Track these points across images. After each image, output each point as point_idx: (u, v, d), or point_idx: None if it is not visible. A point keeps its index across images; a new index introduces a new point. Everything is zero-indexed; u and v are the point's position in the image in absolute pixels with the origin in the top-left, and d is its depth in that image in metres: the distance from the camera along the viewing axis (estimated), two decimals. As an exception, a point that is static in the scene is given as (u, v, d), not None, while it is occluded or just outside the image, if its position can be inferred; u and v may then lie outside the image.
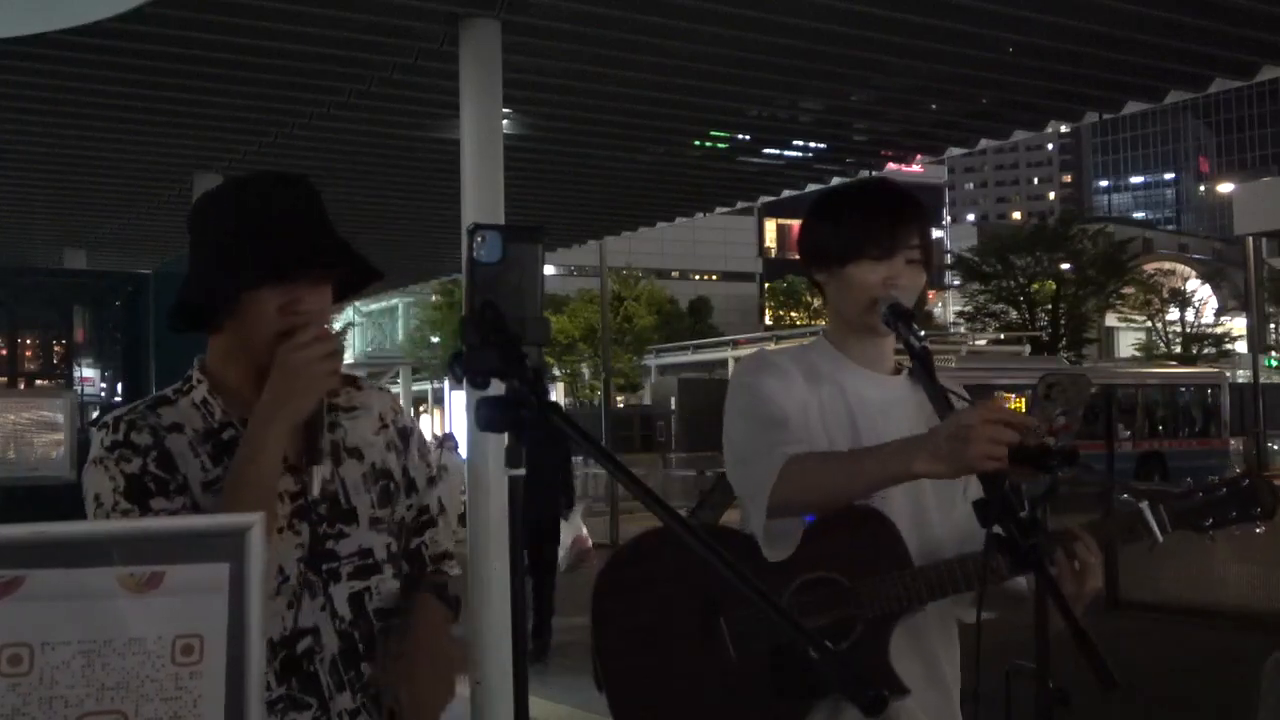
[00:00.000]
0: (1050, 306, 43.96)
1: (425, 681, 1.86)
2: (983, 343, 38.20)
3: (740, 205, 14.34)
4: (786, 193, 12.55)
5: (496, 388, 1.47)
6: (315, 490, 1.79)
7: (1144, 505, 2.06)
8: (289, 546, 1.82)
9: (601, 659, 2.15)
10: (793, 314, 55.50)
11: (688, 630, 2.07)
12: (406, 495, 2.04)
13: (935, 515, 2.12)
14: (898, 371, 2.23)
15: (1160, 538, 2.06)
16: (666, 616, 2.11)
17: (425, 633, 1.91)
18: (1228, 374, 32.33)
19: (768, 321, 56.17)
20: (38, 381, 6.36)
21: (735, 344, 35.40)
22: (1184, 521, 2.09)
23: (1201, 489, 2.13)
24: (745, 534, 2.16)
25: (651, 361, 39.28)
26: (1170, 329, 46.36)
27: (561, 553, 10.21)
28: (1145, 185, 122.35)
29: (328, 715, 1.83)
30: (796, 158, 11.19)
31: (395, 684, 1.84)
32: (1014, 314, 44.38)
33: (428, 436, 10.90)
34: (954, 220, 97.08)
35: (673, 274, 58.63)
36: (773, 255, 67.53)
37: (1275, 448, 30.55)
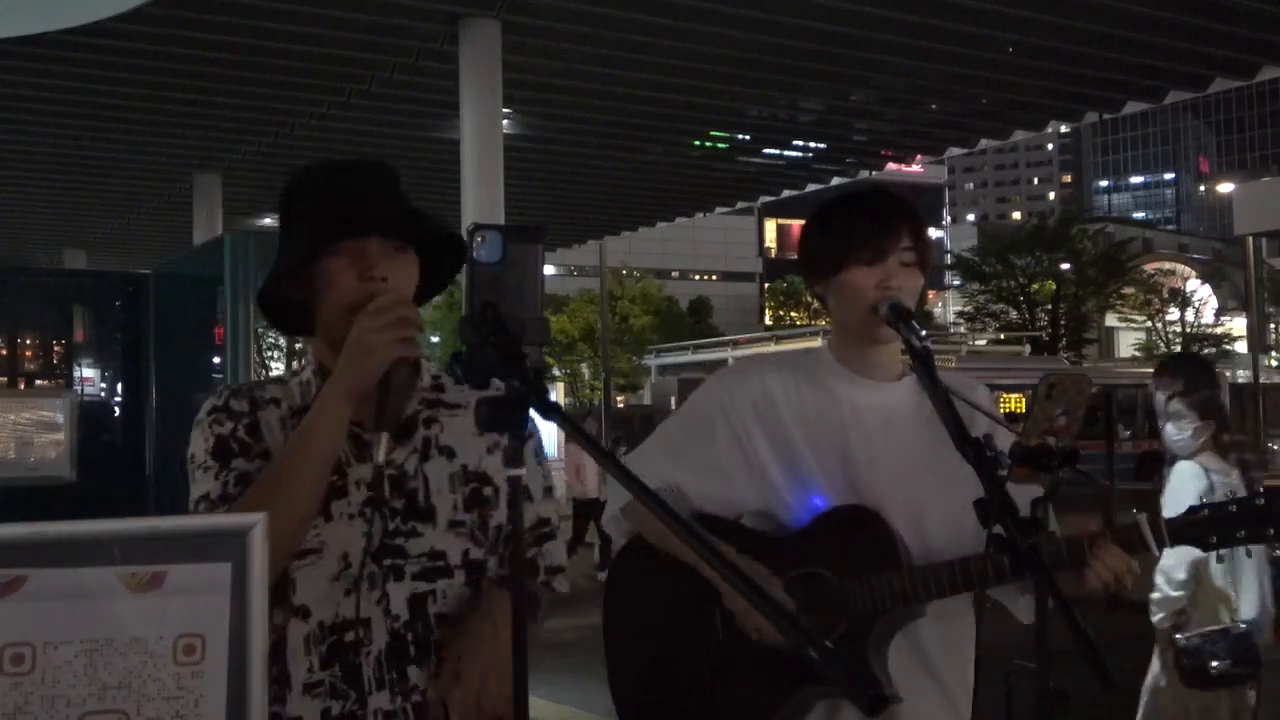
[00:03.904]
0: (1050, 306, 43.92)
1: (475, 686, 1.74)
2: (983, 343, 38.13)
3: (740, 205, 14.36)
4: (786, 193, 12.57)
5: (496, 388, 1.47)
6: (381, 456, 1.74)
7: (1142, 518, 1.98)
8: (356, 534, 1.79)
9: (606, 642, 2.25)
10: (793, 314, 55.50)
11: (684, 616, 2.14)
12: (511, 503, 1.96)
13: (936, 524, 2.10)
14: (903, 377, 2.20)
15: (1156, 552, 1.98)
16: (667, 602, 2.18)
17: (483, 634, 1.78)
18: (1228, 374, 32.29)
19: (768, 321, 56.15)
20: (38, 381, 6.35)
21: (735, 344, 35.35)
22: (1184, 537, 2.00)
23: (1208, 505, 2.01)
24: (747, 528, 2.17)
25: (651, 361, 39.23)
26: (1170, 329, 46.31)
27: None
28: (1145, 185, 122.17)
29: (364, 710, 1.78)
30: (796, 158, 11.21)
31: (444, 686, 1.76)
32: (1014, 314, 44.32)
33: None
34: (954, 220, 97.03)
35: (673, 274, 58.65)
36: (773, 255, 67.58)
37: (1276, 447, 30.52)
